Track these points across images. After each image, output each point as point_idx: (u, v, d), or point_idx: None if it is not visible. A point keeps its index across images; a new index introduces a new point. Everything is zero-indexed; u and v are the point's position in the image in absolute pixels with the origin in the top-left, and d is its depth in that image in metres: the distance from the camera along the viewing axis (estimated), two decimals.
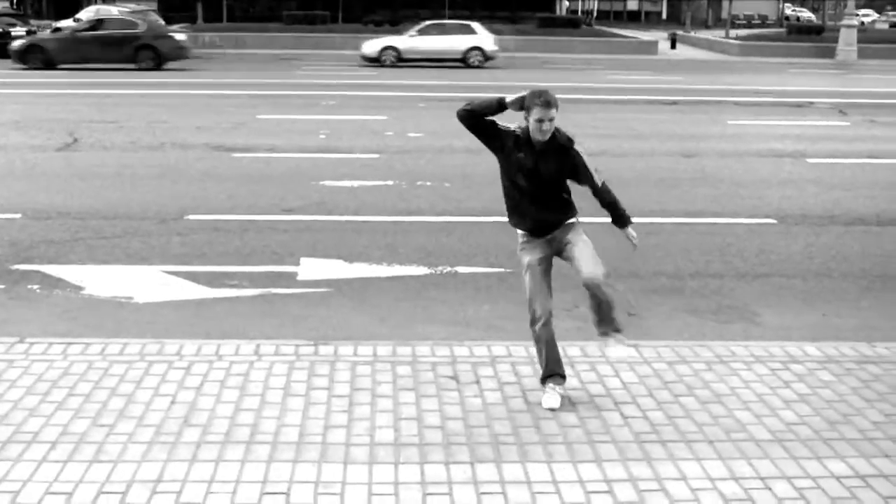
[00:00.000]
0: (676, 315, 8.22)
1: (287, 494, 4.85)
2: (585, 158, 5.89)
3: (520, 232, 6.08)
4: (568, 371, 6.46)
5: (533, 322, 6.00)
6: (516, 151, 5.85)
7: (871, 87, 30.58)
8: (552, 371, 6.06)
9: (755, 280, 9.24)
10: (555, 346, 6.06)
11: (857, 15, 54.64)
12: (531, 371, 6.47)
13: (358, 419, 5.73)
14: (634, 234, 6.11)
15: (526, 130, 5.83)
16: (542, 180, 5.87)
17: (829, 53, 45.45)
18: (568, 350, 6.80)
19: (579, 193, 6.08)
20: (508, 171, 5.96)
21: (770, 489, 5.01)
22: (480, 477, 5.07)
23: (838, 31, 47.80)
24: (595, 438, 5.55)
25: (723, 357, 6.85)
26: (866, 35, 51.44)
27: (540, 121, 5.70)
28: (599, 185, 5.93)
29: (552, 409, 5.94)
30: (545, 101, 5.68)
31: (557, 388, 6.05)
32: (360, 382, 6.27)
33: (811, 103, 24.83)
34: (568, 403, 6.02)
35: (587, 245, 5.95)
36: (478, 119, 5.88)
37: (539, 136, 5.76)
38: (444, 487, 4.96)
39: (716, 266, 9.62)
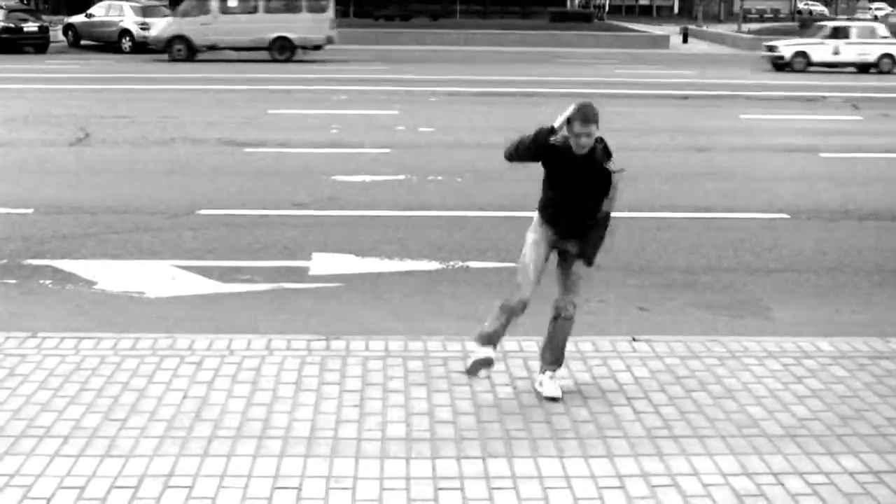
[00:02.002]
0: (688, 310, 8.20)
1: (299, 489, 4.85)
2: (617, 181, 5.89)
3: (537, 217, 6.09)
4: (580, 366, 6.48)
5: (514, 293, 5.94)
6: (562, 162, 5.87)
7: (885, 81, 30.46)
8: (492, 345, 6.00)
9: (768, 275, 9.21)
10: (503, 332, 6.00)
11: (871, 8, 54.48)
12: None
13: (369, 414, 5.73)
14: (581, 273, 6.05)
15: (566, 142, 5.83)
16: (579, 195, 5.88)
17: None
18: (580, 345, 6.80)
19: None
20: (550, 182, 5.98)
21: (783, 485, 4.99)
22: (492, 472, 5.06)
23: None
24: (607, 434, 5.54)
25: (735, 352, 6.83)
26: None
27: (577, 135, 5.73)
28: (607, 211, 5.96)
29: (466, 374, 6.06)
30: (583, 115, 5.69)
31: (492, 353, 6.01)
32: (371, 377, 6.27)
33: (824, 98, 24.74)
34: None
35: (577, 272, 6.05)
36: (528, 157, 5.92)
37: (577, 149, 5.78)
38: (455, 482, 4.95)
39: (728, 261, 9.60)
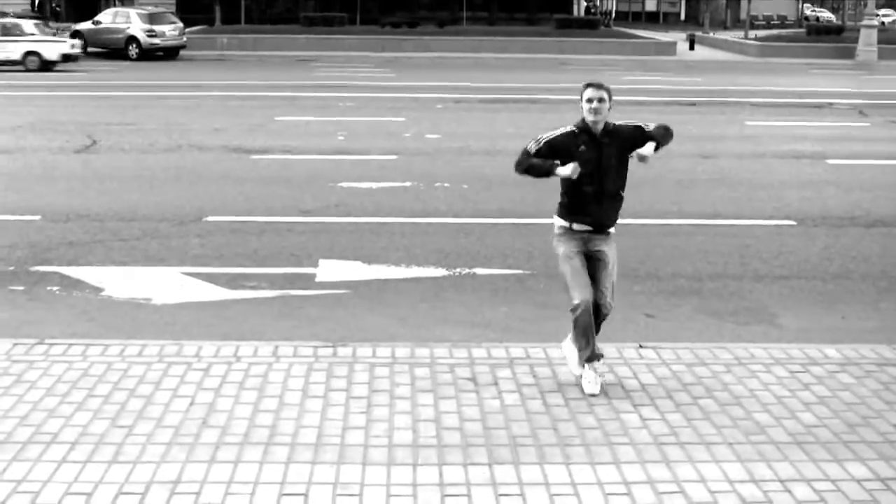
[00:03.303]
0: (695, 317, 8.19)
1: (305, 496, 4.86)
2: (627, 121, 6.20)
3: (558, 223, 6.21)
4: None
5: (574, 309, 6.08)
6: (577, 148, 6.00)
7: (892, 87, 30.41)
8: (591, 354, 6.14)
9: (774, 282, 9.20)
10: (593, 333, 6.14)
11: (878, 15, 54.43)
12: (549, 373, 6.47)
13: (376, 421, 5.73)
14: (646, 152, 6.07)
15: (583, 123, 6.02)
16: (606, 169, 6.04)
17: (849, 54, 45.19)
18: None
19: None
20: (577, 178, 6.05)
21: (789, 492, 4.98)
22: (499, 479, 5.06)
23: (858, 31, 47.54)
24: (613, 440, 5.54)
25: (742, 359, 6.82)
26: (887, 35, 51.10)
27: (590, 100, 5.93)
28: (649, 127, 6.15)
29: (593, 395, 6.09)
30: (596, 82, 5.99)
31: (596, 370, 6.17)
32: (378, 384, 6.27)
33: (831, 104, 24.71)
34: (603, 392, 6.13)
35: (615, 269, 6.22)
36: (535, 176, 6.18)
37: (591, 116, 5.94)
38: (462, 489, 4.95)
39: (735, 268, 9.59)
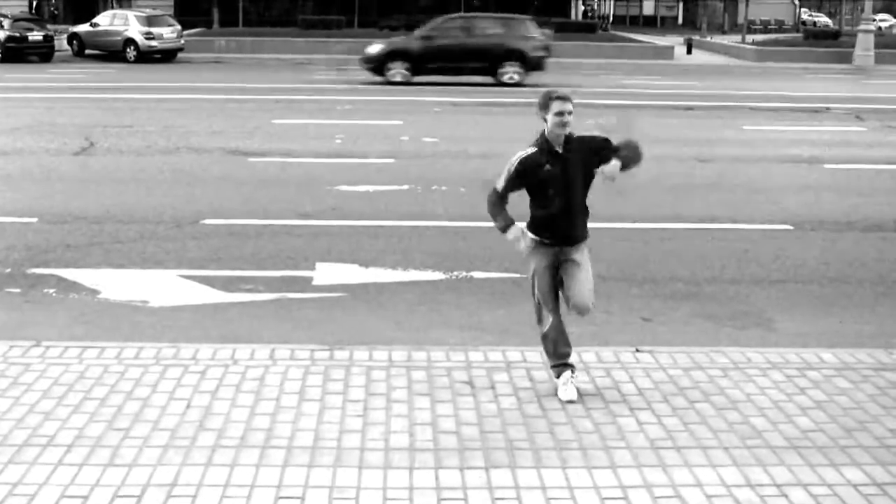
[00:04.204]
0: (692, 321, 8.20)
1: (302, 499, 4.86)
2: (592, 133, 6.16)
3: (530, 236, 6.15)
4: (583, 377, 6.47)
5: (541, 321, 6.14)
6: (542, 167, 5.96)
7: (889, 92, 30.44)
8: (563, 362, 6.19)
9: (771, 286, 9.21)
10: (567, 342, 6.18)
11: (875, 20, 54.51)
12: (546, 376, 6.47)
13: (373, 424, 5.73)
14: (611, 170, 5.98)
15: (544, 140, 5.93)
16: (572, 184, 5.98)
17: (846, 58, 45.23)
18: (583, 355, 6.80)
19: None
20: (542, 189, 6.04)
21: (786, 496, 4.99)
22: (495, 482, 5.06)
23: (855, 36, 47.60)
24: (610, 444, 5.54)
25: (738, 363, 6.82)
26: (884, 40, 51.11)
27: (560, 114, 5.86)
28: (617, 142, 6.10)
29: (570, 402, 6.06)
30: (563, 94, 5.91)
31: (571, 379, 6.18)
32: (375, 387, 6.27)
33: (828, 109, 24.72)
34: (579, 397, 6.09)
35: (589, 271, 6.13)
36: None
37: (559, 129, 5.89)
38: (458, 493, 4.95)
39: (732, 272, 9.59)
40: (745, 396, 6.26)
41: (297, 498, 4.87)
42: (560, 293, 6.17)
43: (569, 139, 5.97)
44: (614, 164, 5.93)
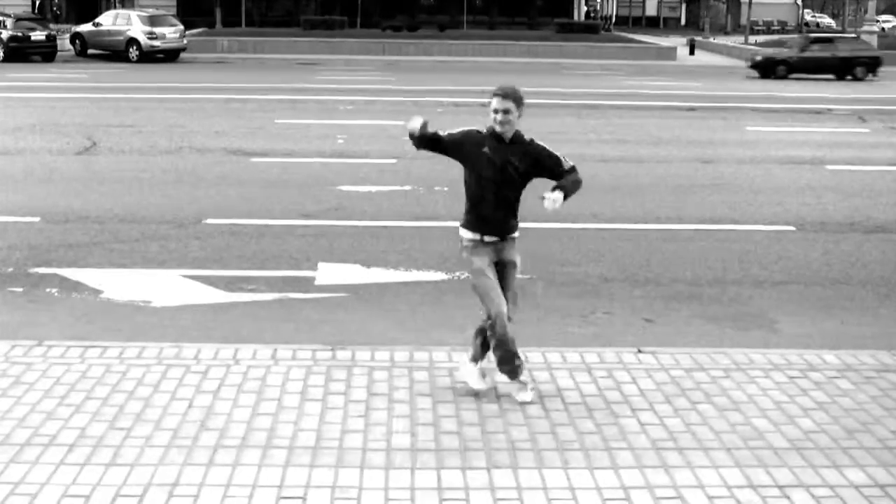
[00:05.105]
0: (694, 322, 8.19)
1: (304, 499, 4.86)
2: (548, 146, 6.01)
3: (467, 236, 6.10)
4: (585, 377, 6.47)
5: (492, 326, 6.01)
6: (482, 147, 5.93)
7: (892, 93, 30.44)
8: (508, 364, 6.07)
9: (773, 287, 9.20)
10: (511, 342, 6.02)
11: (878, 21, 54.45)
12: (548, 377, 6.46)
13: (375, 424, 5.73)
14: (555, 199, 5.91)
15: (492, 126, 5.93)
16: (508, 179, 5.93)
17: None
18: (586, 356, 6.81)
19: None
20: (475, 167, 6.00)
21: (788, 497, 4.98)
22: (497, 483, 5.06)
23: (858, 37, 47.57)
24: (612, 445, 5.53)
25: (741, 364, 6.82)
26: (887, 41, 51.13)
27: (496, 111, 5.83)
28: (569, 165, 5.98)
29: (525, 403, 6.01)
30: (501, 91, 5.84)
31: (519, 379, 6.12)
32: (377, 387, 6.27)
33: (830, 110, 24.73)
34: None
35: (515, 278, 6.14)
36: (428, 143, 6.07)
37: (497, 127, 5.85)
38: (460, 493, 4.95)
39: (734, 273, 9.59)
40: (747, 398, 6.25)
41: (299, 498, 4.86)
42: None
43: (518, 138, 5.93)
44: (559, 195, 5.86)
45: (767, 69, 38.58)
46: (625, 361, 6.81)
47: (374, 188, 13.20)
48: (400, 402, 6.05)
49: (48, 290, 8.65)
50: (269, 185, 13.40)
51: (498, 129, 5.87)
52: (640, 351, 7.03)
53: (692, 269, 9.65)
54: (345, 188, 13.16)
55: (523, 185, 6.05)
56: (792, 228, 11.45)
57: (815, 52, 39.38)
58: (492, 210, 6.01)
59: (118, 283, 8.81)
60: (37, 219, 11.09)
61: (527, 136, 6.00)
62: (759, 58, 39.83)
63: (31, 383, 6.22)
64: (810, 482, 5.15)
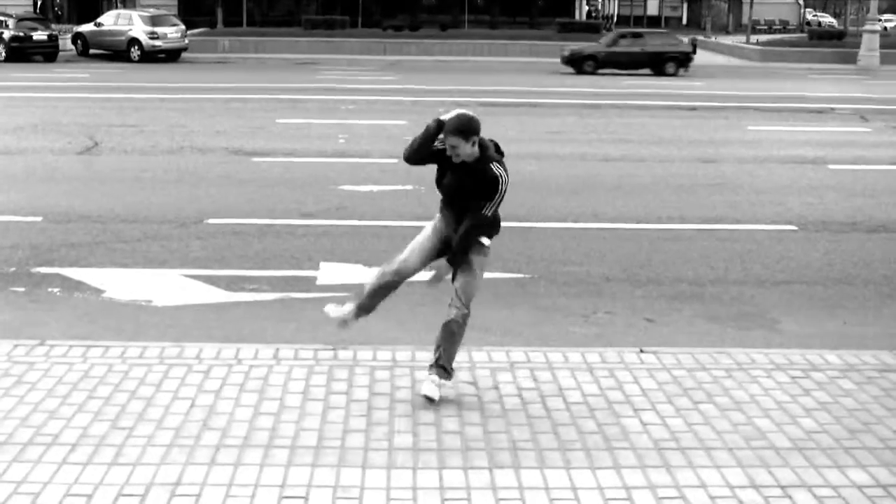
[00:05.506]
0: (696, 322, 8.19)
1: (305, 499, 4.85)
2: (503, 187, 5.92)
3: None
4: (587, 377, 6.47)
5: (392, 263, 6.21)
6: (446, 159, 5.98)
7: (894, 93, 30.41)
8: (364, 312, 6.35)
9: (776, 287, 9.20)
10: (382, 296, 6.31)
11: (880, 20, 54.39)
12: (550, 377, 6.46)
13: (376, 424, 5.73)
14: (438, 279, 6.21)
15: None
16: (462, 191, 5.99)
17: (851, 59, 45.22)
18: (587, 356, 6.80)
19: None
20: (441, 173, 6.10)
21: (790, 497, 4.98)
22: (499, 483, 5.06)
23: (860, 36, 47.58)
24: (614, 445, 5.53)
25: (743, 364, 6.81)
26: (889, 40, 51.08)
27: (452, 147, 5.85)
28: (487, 213, 5.97)
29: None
30: (452, 128, 5.86)
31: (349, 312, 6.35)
32: (378, 387, 6.27)
33: (832, 109, 24.71)
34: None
35: (474, 276, 6.20)
36: (424, 154, 6.05)
37: (454, 158, 5.89)
38: (462, 493, 4.95)
39: (736, 273, 9.58)
40: (749, 398, 6.25)
41: (301, 497, 4.86)
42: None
43: (483, 160, 5.90)
44: (444, 264, 6.19)
45: (575, 64, 38.50)
46: (627, 361, 6.81)
47: (375, 188, 13.20)
48: (402, 402, 6.05)
49: (50, 289, 8.65)
50: (271, 185, 13.40)
51: (454, 160, 5.90)
52: (642, 350, 7.03)
53: (694, 269, 9.65)
54: (346, 188, 13.16)
55: (479, 199, 5.98)
56: (794, 228, 11.45)
57: (624, 46, 39.04)
58: (450, 214, 6.18)
59: (120, 283, 8.82)
60: (39, 218, 11.10)
61: (491, 156, 5.94)
62: (566, 53, 39.45)
63: (34, 383, 6.22)
64: (812, 482, 5.14)
